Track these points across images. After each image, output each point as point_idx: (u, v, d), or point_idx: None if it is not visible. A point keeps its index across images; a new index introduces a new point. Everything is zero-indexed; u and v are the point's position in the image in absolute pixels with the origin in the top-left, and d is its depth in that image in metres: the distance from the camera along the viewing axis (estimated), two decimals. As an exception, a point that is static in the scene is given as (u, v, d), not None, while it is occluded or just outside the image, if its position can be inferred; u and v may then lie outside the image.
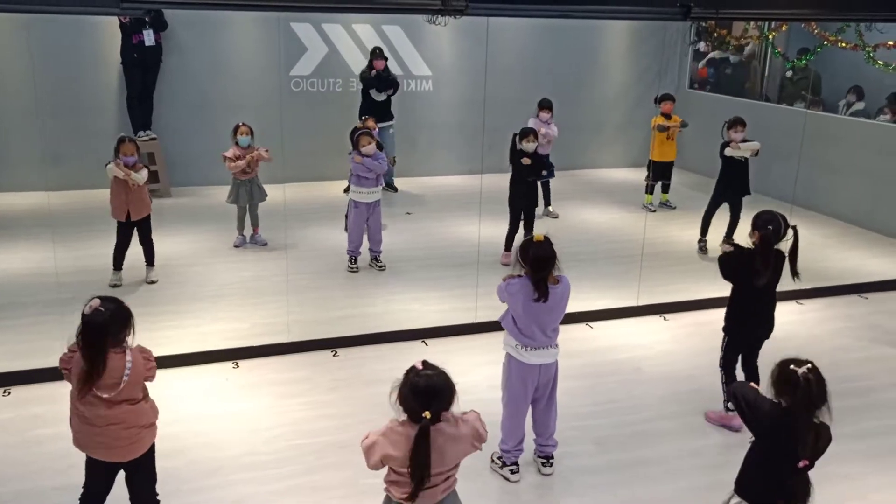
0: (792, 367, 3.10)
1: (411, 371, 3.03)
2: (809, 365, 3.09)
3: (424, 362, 3.06)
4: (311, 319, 6.29)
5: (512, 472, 4.42)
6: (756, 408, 3.25)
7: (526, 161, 7.46)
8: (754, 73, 12.38)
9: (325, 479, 4.38)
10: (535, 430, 4.49)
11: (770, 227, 4.65)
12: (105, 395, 3.38)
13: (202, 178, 9.98)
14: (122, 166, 6.53)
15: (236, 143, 7.68)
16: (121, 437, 3.48)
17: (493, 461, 4.49)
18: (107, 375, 3.37)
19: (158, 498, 3.76)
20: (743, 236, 5.21)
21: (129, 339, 3.48)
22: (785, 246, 4.76)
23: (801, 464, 3.14)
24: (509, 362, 4.35)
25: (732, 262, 4.83)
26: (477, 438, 3.14)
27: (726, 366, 5.00)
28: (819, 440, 3.17)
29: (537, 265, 4.10)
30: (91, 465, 3.60)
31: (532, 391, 4.33)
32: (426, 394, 2.95)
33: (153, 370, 3.57)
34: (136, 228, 6.83)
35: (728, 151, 7.79)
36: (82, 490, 3.67)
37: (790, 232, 4.72)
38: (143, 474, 3.66)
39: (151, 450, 3.65)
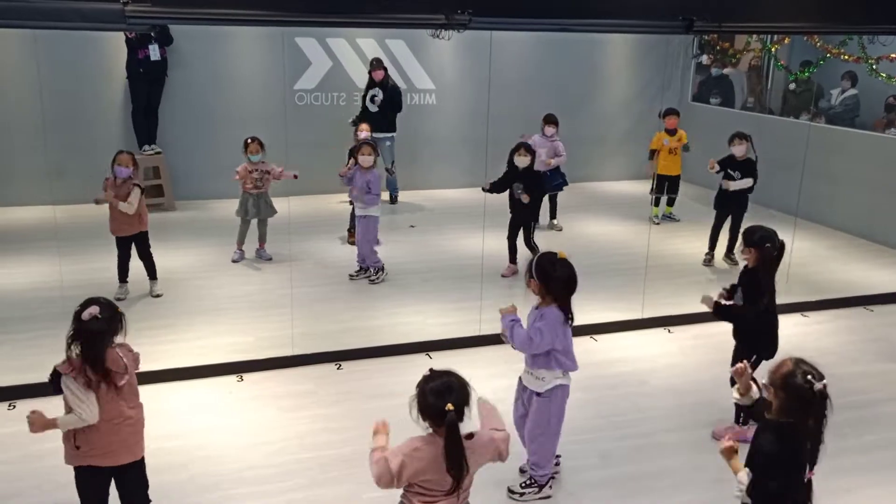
0: (809, 377, 3.02)
1: (423, 381, 3.07)
2: (825, 381, 3.03)
3: (431, 370, 3.11)
4: (315, 332, 6.29)
5: (550, 486, 4.40)
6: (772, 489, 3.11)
7: (525, 198, 7.35)
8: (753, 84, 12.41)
9: (329, 494, 4.37)
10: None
11: (768, 244, 4.69)
12: (121, 383, 3.51)
13: (207, 191, 10.03)
14: (108, 193, 6.54)
15: (248, 160, 7.73)
16: (136, 433, 3.64)
17: (522, 490, 4.37)
18: (112, 365, 3.50)
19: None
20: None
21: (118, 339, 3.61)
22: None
23: (809, 474, 3.09)
24: (556, 394, 4.21)
25: (726, 310, 4.90)
26: (498, 456, 3.21)
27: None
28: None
29: (571, 284, 4.03)
30: (86, 480, 3.62)
31: None
32: (444, 392, 2.98)
33: (138, 355, 3.74)
34: (134, 243, 6.86)
35: (723, 185, 7.94)
36: None
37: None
38: (138, 477, 3.74)
39: (143, 457, 3.76)
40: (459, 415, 2.97)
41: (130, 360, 3.63)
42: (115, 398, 3.51)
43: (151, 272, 7.02)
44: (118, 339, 3.58)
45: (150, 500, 3.83)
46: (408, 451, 3.02)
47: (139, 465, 3.72)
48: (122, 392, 3.53)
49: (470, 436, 3.06)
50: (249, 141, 7.76)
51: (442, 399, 2.96)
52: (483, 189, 7.50)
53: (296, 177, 7.78)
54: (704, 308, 5.01)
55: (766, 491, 3.11)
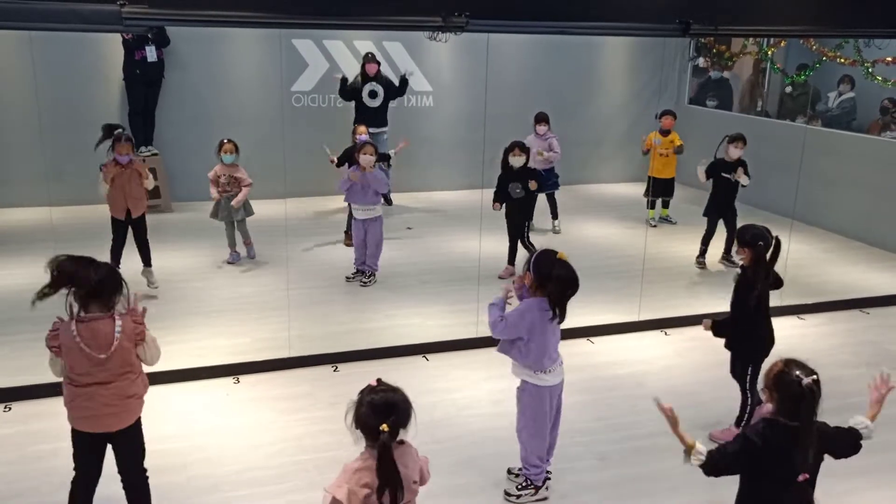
0: (797, 374, 3.05)
1: (366, 390, 2.95)
2: (815, 376, 3.05)
3: (379, 380, 2.99)
4: (312, 334, 6.29)
5: (546, 487, 4.39)
6: (728, 455, 3.16)
7: (533, 185, 7.44)
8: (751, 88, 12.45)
9: (326, 495, 4.36)
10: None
11: (761, 242, 4.71)
12: (102, 356, 3.49)
13: (203, 193, 9.87)
14: (106, 175, 6.58)
15: (221, 160, 7.73)
16: (114, 405, 3.57)
17: (519, 493, 4.37)
18: (100, 338, 3.49)
19: (147, 475, 3.83)
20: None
21: (119, 307, 3.59)
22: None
23: (800, 477, 3.09)
24: (526, 389, 4.23)
25: (724, 323, 4.92)
26: (421, 479, 3.07)
27: (753, 387, 4.94)
28: (816, 452, 3.14)
29: (569, 286, 4.01)
30: (79, 440, 3.65)
31: (550, 411, 4.28)
32: (384, 409, 2.87)
33: (143, 331, 3.66)
34: (132, 227, 6.84)
35: (734, 177, 7.86)
36: (74, 473, 3.71)
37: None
38: (130, 445, 3.73)
39: (138, 422, 3.73)
40: (393, 436, 2.87)
41: (127, 334, 3.54)
42: (89, 360, 3.48)
43: (146, 258, 6.99)
44: (121, 308, 3.58)
45: (145, 470, 3.82)
46: (349, 476, 2.89)
47: (127, 433, 3.66)
48: (106, 359, 3.51)
49: (401, 441, 2.96)
50: (225, 142, 7.76)
51: (378, 418, 2.84)
52: (494, 208, 7.52)
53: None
54: (702, 311, 5.02)
55: (721, 453, 3.17)
